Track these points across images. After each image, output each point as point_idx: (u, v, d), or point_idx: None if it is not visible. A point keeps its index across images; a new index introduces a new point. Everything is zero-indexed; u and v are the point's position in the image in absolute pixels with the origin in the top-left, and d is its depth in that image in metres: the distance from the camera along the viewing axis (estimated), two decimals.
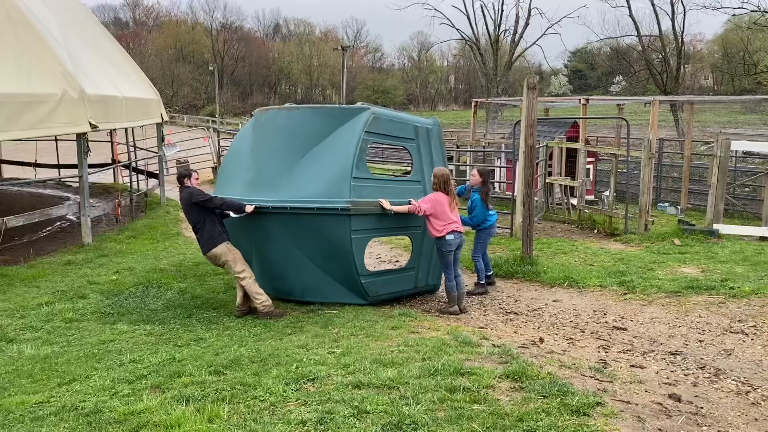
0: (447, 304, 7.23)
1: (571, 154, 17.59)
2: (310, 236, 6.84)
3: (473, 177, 8.25)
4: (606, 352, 5.45)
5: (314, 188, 6.72)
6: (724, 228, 11.50)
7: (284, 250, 7.08)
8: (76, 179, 12.79)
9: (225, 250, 6.81)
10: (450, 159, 22.91)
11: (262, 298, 6.87)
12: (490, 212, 8.20)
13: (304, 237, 6.88)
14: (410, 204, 6.97)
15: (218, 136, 21.42)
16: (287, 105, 7.82)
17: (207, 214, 6.78)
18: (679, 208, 18.20)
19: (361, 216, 6.72)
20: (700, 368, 5.02)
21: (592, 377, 4.42)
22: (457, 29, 43.14)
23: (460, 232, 7.08)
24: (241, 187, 7.18)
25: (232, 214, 6.98)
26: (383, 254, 10.51)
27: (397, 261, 10.10)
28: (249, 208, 6.78)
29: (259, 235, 7.16)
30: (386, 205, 6.80)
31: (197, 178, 7.03)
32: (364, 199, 6.72)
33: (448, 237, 6.98)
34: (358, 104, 7.44)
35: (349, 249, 6.73)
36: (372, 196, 6.83)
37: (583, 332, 6.24)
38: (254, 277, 6.94)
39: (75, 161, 11.96)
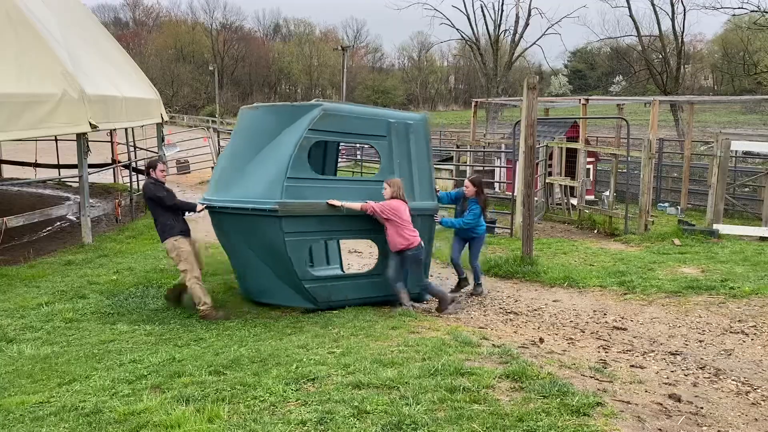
0: (441, 305, 7.10)
1: (571, 154, 17.59)
2: (254, 237, 6.76)
3: (467, 188, 7.82)
4: (606, 352, 5.45)
5: (256, 188, 6.60)
6: (724, 228, 11.51)
7: (240, 250, 7.09)
8: (76, 179, 12.79)
9: (170, 245, 6.91)
10: (450, 159, 22.95)
11: (200, 301, 6.92)
12: (481, 220, 7.96)
13: (250, 238, 6.81)
14: (367, 204, 6.70)
15: (218, 136, 21.42)
16: (255, 104, 7.68)
17: (160, 208, 6.91)
18: (679, 208, 18.20)
19: (296, 218, 6.48)
20: (700, 368, 5.01)
21: (592, 377, 4.42)
22: (457, 29, 43.15)
23: None
24: (213, 185, 7.26)
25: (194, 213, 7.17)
26: None
27: None
28: (199, 207, 6.94)
29: (222, 235, 7.24)
30: (335, 202, 6.60)
31: (163, 170, 7.12)
32: (299, 201, 6.47)
33: (422, 244, 6.86)
34: (314, 101, 7.13)
35: (284, 251, 6.51)
36: (315, 197, 6.58)
37: (583, 332, 6.24)
38: (198, 280, 6.95)
39: (75, 161, 11.96)
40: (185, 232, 7.01)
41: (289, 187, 6.41)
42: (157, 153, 16.04)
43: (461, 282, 8.06)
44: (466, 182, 7.95)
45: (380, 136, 7.05)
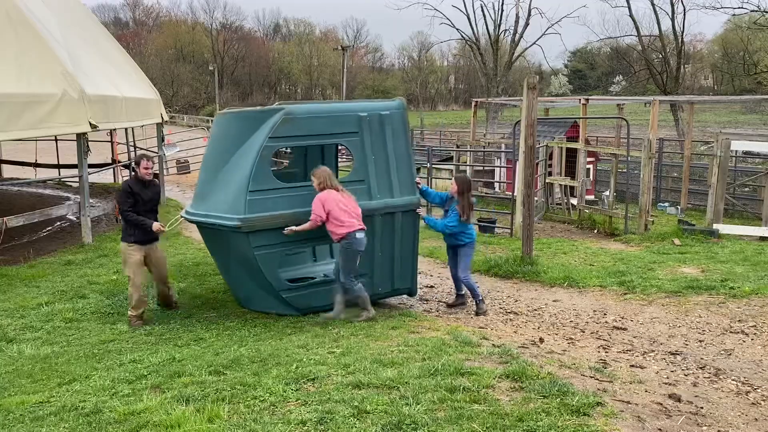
0: (334, 309, 6.49)
1: (571, 154, 17.60)
2: (228, 250, 6.65)
3: (451, 186, 7.19)
4: (606, 352, 5.45)
5: (222, 202, 6.39)
6: (724, 228, 11.51)
7: (223, 259, 7.06)
8: (76, 179, 12.79)
9: (122, 248, 6.92)
10: (450, 159, 22.94)
11: (131, 306, 6.86)
12: (470, 226, 7.20)
13: (225, 250, 6.74)
14: (311, 220, 6.21)
15: None
16: (226, 110, 7.45)
17: None
18: (679, 208, 18.21)
19: (264, 231, 6.20)
20: (700, 368, 5.01)
21: (592, 377, 4.42)
22: (457, 29, 43.16)
23: (364, 229, 6.31)
24: (194, 194, 7.19)
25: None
26: None
27: None
28: (155, 226, 6.74)
29: (206, 244, 7.25)
30: (288, 230, 6.21)
31: (147, 167, 6.84)
32: (264, 214, 6.17)
33: (358, 234, 6.20)
34: (276, 104, 6.68)
35: (256, 265, 6.32)
36: (283, 207, 6.26)
37: (583, 332, 6.23)
38: (137, 290, 6.79)
39: (75, 161, 11.96)
40: (143, 242, 6.81)
41: (252, 200, 6.13)
42: (157, 153, 16.05)
43: (458, 297, 7.39)
44: (453, 180, 7.32)
45: (351, 133, 6.65)
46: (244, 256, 6.42)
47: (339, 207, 6.18)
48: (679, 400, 4.10)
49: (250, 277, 6.68)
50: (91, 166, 12.54)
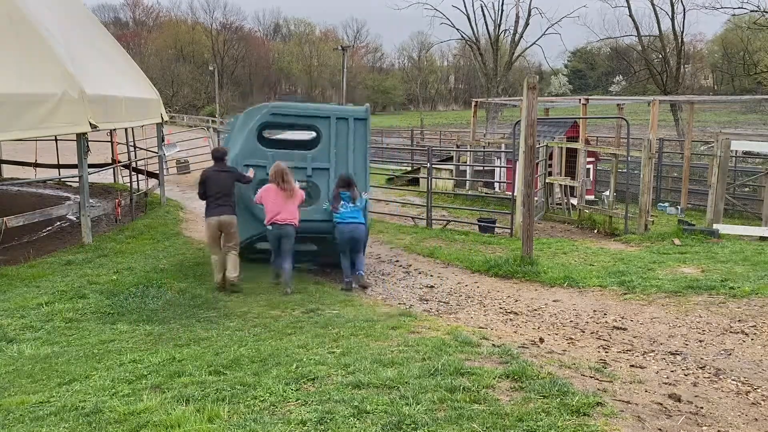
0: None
1: (571, 154, 17.59)
2: None
3: None
4: (606, 352, 5.45)
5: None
6: (724, 228, 11.50)
7: None
8: (76, 179, 12.78)
9: (235, 221, 8.16)
10: (450, 159, 22.94)
11: (238, 271, 8.18)
12: (339, 210, 8.36)
13: None
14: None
15: (218, 136, 21.43)
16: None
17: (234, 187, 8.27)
18: (679, 208, 18.21)
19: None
20: (700, 368, 5.01)
21: (592, 377, 4.42)
22: (457, 29, 43.23)
23: (285, 224, 7.95)
24: None
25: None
26: (383, 254, 10.50)
27: (397, 260, 10.09)
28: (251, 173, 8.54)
29: None
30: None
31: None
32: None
33: (268, 227, 8.04)
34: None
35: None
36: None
37: (583, 332, 6.23)
38: None
39: (75, 161, 11.95)
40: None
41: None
42: (157, 153, 16.05)
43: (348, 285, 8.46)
44: None
45: (322, 118, 9.06)
46: None
47: (270, 200, 7.98)
48: (679, 400, 4.10)
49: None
50: (91, 166, 12.53)
